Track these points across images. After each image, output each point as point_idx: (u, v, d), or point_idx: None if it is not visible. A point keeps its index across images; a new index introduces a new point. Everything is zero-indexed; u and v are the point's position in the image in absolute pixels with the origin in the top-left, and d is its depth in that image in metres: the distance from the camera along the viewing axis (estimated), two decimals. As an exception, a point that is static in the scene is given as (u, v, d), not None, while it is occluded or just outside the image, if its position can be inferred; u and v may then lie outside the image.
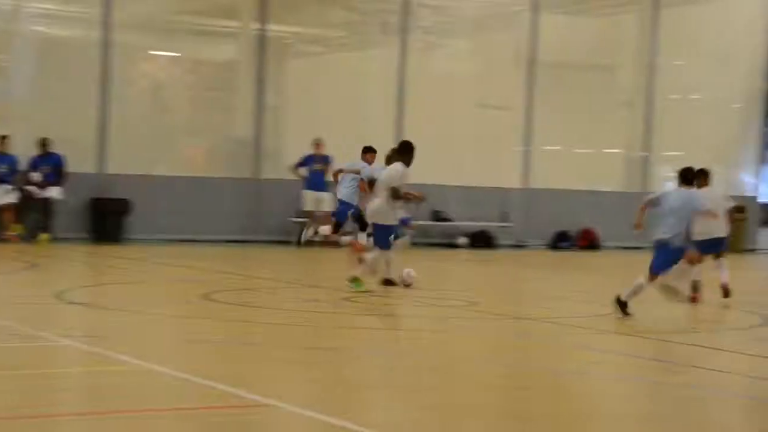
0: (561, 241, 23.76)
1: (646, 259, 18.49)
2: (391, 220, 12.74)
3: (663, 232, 11.34)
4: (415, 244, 22.27)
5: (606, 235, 24.19)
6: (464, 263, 19.93)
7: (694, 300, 12.63)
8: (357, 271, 12.49)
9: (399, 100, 22.73)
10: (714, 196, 13.25)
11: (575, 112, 24.51)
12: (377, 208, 12.66)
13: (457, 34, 24.34)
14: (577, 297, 13.67)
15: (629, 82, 25.33)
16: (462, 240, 22.79)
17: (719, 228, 13.02)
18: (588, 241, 23.91)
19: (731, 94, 26.20)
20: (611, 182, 25.51)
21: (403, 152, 13.03)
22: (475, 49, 24.08)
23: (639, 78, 25.03)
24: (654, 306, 13.54)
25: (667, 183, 26.87)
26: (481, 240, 22.86)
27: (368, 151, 14.97)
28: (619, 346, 9.71)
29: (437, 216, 23.02)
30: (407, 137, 22.67)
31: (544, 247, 23.33)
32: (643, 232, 11.71)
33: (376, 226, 12.74)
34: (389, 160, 13.29)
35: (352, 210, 14.57)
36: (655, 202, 11.64)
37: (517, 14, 24.21)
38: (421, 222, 22.60)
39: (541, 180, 24.00)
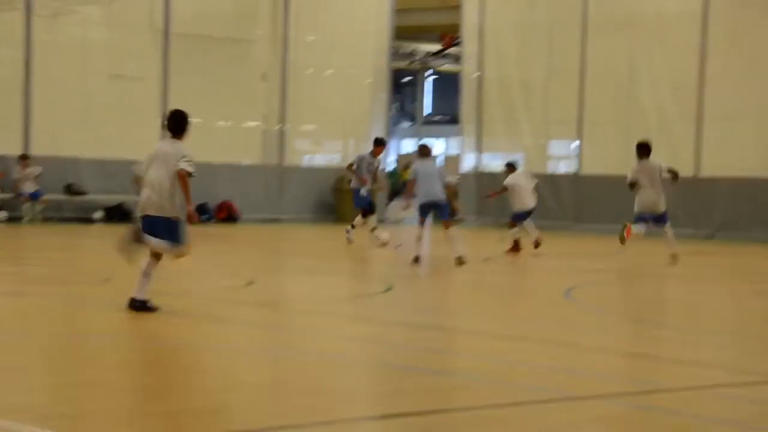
0: (200, 214, 23.75)
1: (283, 230, 18.90)
2: None
3: None
4: (48, 219, 21.48)
5: (244, 207, 24.53)
6: (98, 238, 19.45)
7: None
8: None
9: (26, 68, 21.72)
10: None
11: (214, 84, 24.59)
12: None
13: (87, 0, 23.59)
14: (215, 270, 13.76)
15: (265, 55, 25.73)
16: (98, 214, 22.24)
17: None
18: (227, 214, 24.13)
19: (362, 71, 27.33)
20: (250, 155, 25.85)
21: None
22: (107, 18, 23.45)
23: (274, 52, 25.49)
24: (298, 282, 13.92)
25: (305, 156, 27.74)
26: (118, 214, 22.42)
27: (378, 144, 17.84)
28: (253, 318, 9.90)
29: (71, 189, 22.30)
30: (35, 107, 21.92)
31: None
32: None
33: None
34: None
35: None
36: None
37: (148, -18, 23.87)
38: (53, 196, 21.82)
39: (180, 153, 23.84)
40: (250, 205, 24.63)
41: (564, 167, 26.57)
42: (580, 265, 16.39)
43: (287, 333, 9.13)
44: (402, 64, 48.06)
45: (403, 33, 38.87)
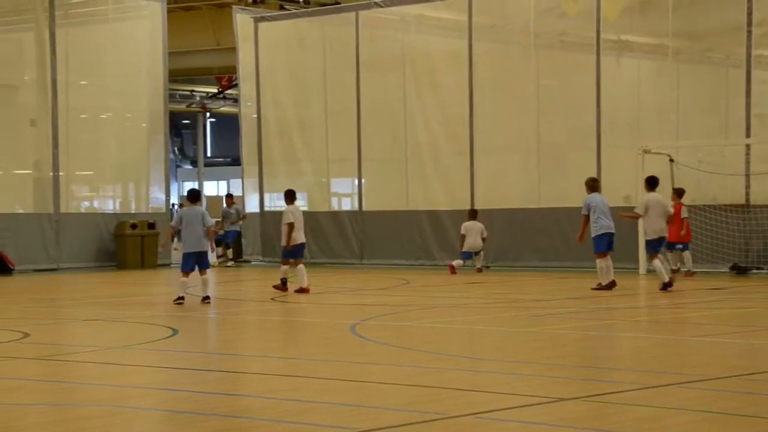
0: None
1: (61, 279, 18.28)
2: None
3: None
4: None
5: (19, 258, 23.60)
6: None
7: None
8: None
9: None
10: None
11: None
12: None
13: None
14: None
15: (33, 100, 24.85)
16: None
17: None
18: (0, 266, 23.13)
19: (138, 114, 26.85)
20: (23, 204, 24.90)
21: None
22: None
23: (43, 97, 24.66)
24: (77, 332, 13.45)
25: (83, 203, 26.87)
26: None
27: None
28: (29, 372, 9.51)
29: None
30: None
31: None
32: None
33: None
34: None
35: None
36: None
37: None
38: None
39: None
40: (26, 255, 23.69)
41: (347, 204, 26.92)
42: (364, 300, 16.60)
43: (68, 385, 8.82)
44: (180, 106, 47.57)
45: (179, 75, 38.52)
